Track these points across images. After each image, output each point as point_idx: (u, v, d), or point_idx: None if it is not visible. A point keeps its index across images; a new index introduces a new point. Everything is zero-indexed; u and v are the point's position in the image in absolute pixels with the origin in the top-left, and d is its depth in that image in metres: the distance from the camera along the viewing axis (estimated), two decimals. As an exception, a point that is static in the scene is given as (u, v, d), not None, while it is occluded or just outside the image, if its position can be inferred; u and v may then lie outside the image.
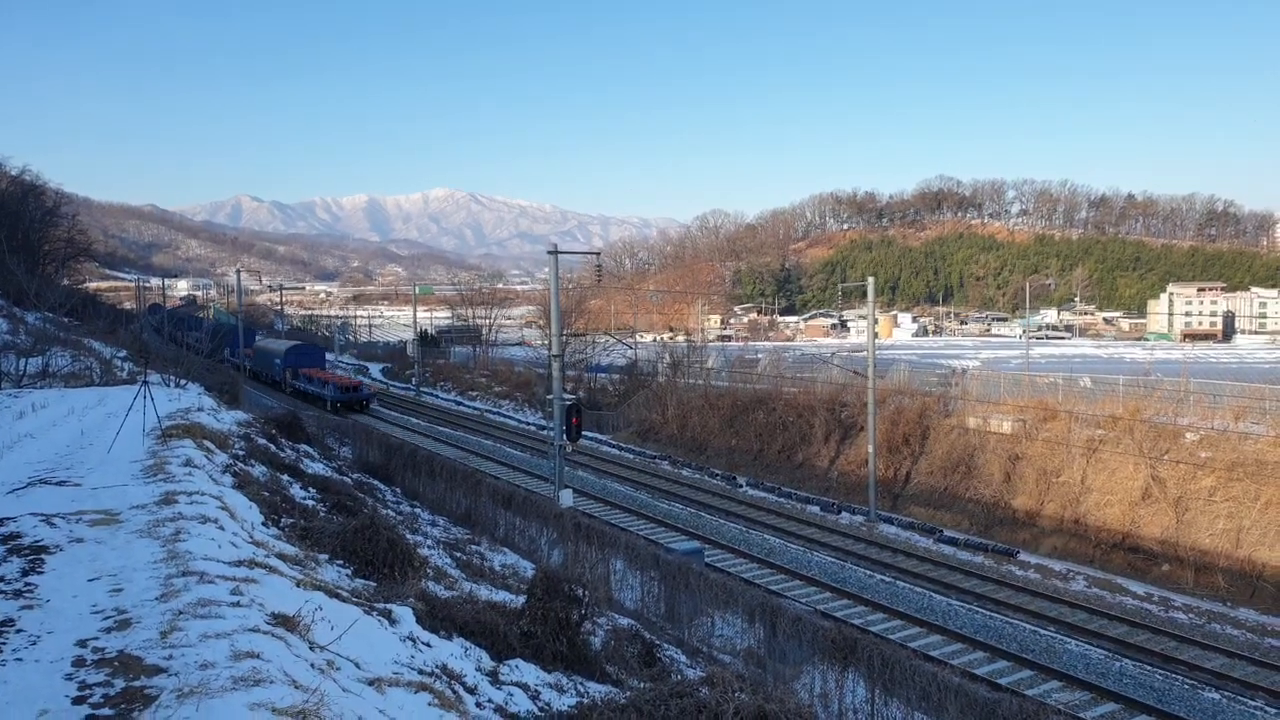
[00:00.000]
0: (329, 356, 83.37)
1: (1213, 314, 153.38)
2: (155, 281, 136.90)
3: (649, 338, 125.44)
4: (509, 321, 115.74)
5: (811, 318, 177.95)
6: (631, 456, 40.02)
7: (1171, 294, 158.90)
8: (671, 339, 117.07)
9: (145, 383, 17.68)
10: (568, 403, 25.43)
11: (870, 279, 31.44)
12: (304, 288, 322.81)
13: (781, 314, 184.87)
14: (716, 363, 52.08)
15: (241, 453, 17.73)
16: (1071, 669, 17.27)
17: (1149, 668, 17.49)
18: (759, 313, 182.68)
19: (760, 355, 55.87)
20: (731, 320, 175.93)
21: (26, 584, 7.15)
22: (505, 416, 52.31)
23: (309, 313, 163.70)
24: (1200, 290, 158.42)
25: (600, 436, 44.61)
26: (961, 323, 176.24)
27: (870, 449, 29.77)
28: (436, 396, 61.37)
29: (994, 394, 33.25)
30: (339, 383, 50.59)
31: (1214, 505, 24.37)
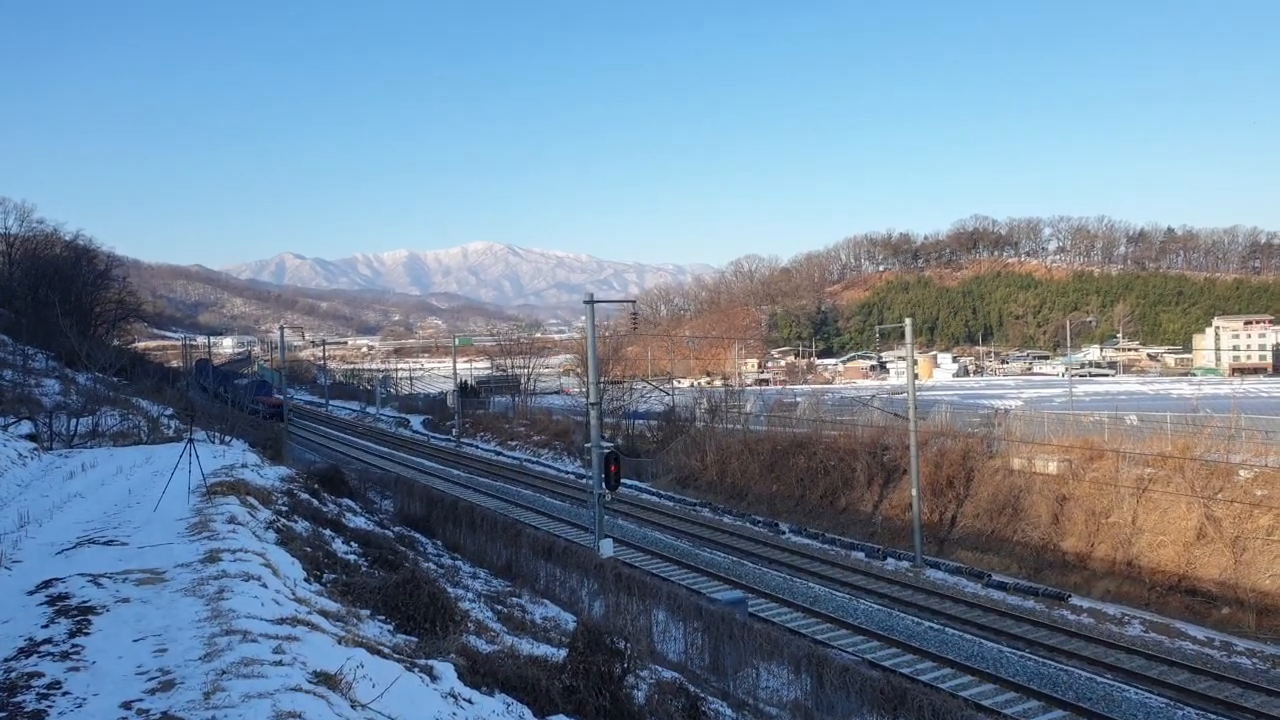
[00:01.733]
0: (371, 410, 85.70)
1: (1261, 347, 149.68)
2: (201, 340, 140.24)
3: (686, 383, 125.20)
4: (547, 370, 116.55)
5: (850, 360, 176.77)
6: (671, 504, 39.73)
7: (1217, 328, 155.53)
8: (709, 384, 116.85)
9: (191, 440, 17.98)
10: (606, 451, 25.39)
11: (908, 320, 31.23)
12: (346, 342, 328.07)
13: (819, 356, 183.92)
14: (755, 407, 51.82)
15: (284, 508, 17.88)
16: (1131, 718, 16.61)
17: (1213, 716, 16.78)
18: (796, 355, 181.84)
19: (799, 398, 55.52)
20: (768, 364, 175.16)
21: (73, 645, 7.21)
22: (544, 465, 52.31)
23: (351, 367, 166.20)
24: (1247, 323, 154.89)
25: (639, 484, 44.40)
26: (1002, 362, 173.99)
27: (914, 492, 29.29)
28: (476, 447, 61.62)
29: (1038, 434, 32.66)
30: (269, 403, 66.78)
31: (1273, 545, 23.53)
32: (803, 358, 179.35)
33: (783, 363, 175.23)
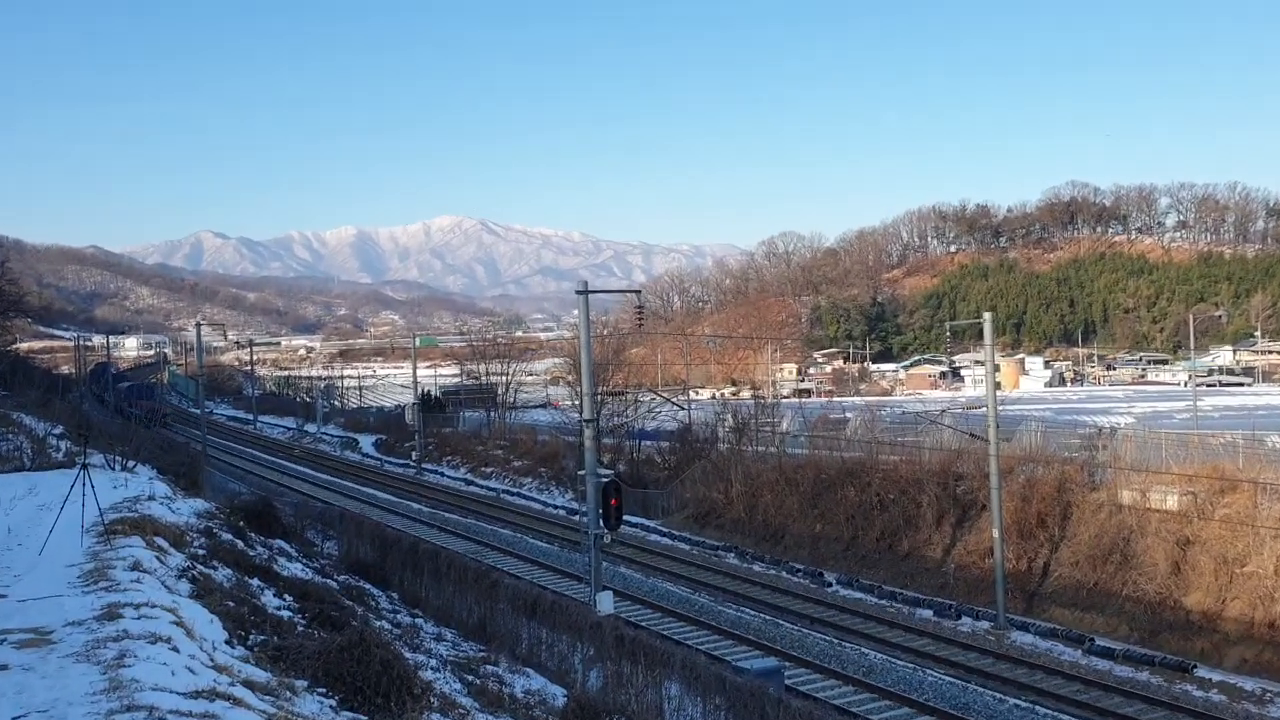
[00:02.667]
0: (310, 427, 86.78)
1: None
2: (98, 340, 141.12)
3: (706, 394, 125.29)
4: (531, 378, 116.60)
5: (913, 365, 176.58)
6: (687, 547, 39.75)
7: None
8: (734, 395, 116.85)
9: (85, 466, 18.07)
10: (604, 480, 25.41)
11: (987, 314, 31.19)
12: (279, 343, 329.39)
13: (874, 360, 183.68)
14: (793, 424, 51.74)
15: (202, 552, 17.97)
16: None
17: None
18: (845, 360, 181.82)
19: (849, 414, 55.40)
20: (811, 370, 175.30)
21: (-63, 724, 7.26)
22: (527, 498, 52.41)
23: (285, 373, 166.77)
24: None
25: (647, 522, 44.44)
26: (1108, 368, 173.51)
27: (995, 533, 29.22)
28: (442, 475, 61.74)
29: (1154, 460, 32.57)
30: (147, 408, 71.86)
31: None
32: (854, 362, 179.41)
33: (828, 369, 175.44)
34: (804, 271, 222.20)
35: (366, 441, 78.44)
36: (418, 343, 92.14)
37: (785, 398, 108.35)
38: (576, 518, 42.20)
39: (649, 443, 56.62)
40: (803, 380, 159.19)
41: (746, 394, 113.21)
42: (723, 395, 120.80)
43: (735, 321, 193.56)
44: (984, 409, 31.05)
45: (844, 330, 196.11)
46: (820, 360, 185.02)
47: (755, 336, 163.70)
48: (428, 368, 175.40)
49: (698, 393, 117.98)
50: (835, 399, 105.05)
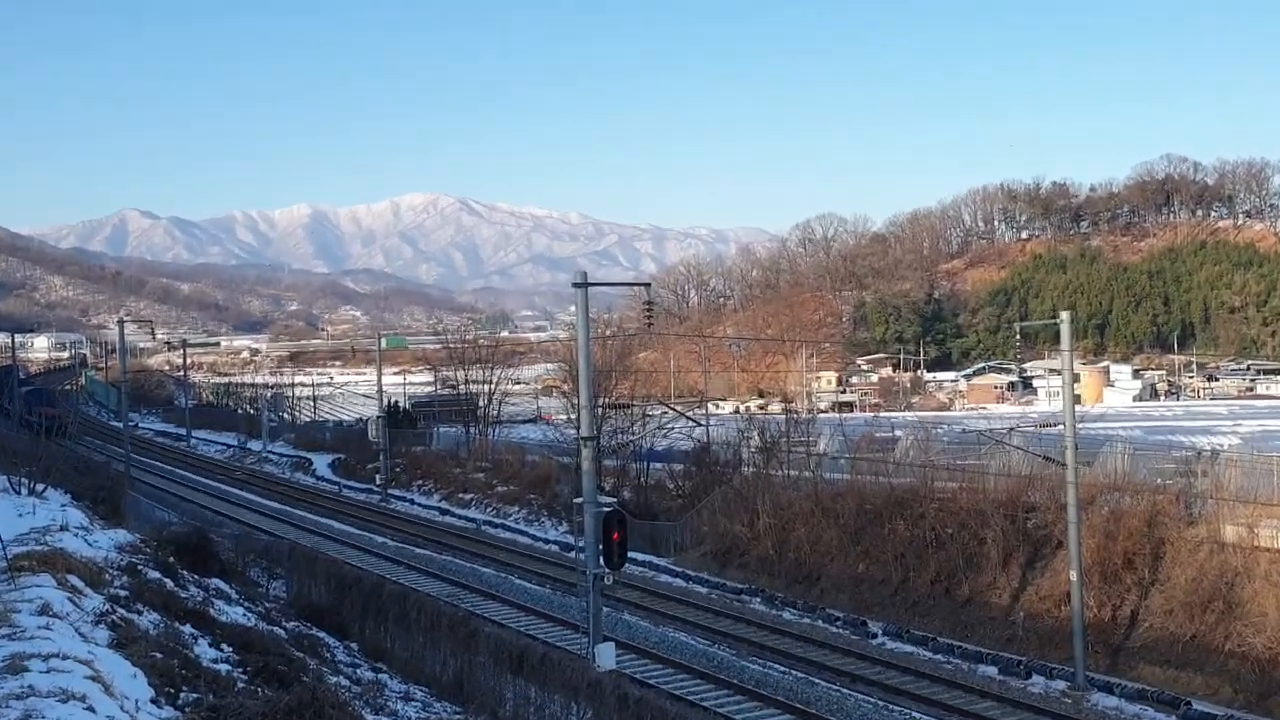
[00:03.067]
0: (255, 444, 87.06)
1: None
2: (1, 339, 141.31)
3: (728, 407, 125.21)
4: (519, 387, 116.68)
5: (977, 373, 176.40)
6: (704, 590, 39.74)
7: None
8: (762, 409, 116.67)
9: (-15, 490, 18.16)
10: (606, 509, 25.43)
11: (1065, 314, 31.08)
12: (218, 343, 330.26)
13: (929, 368, 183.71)
14: (832, 444, 51.62)
15: (124, 593, 17.99)
16: None
17: None
18: (895, 367, 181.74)
19: (899, 432, 55.20)
20: (853, 379, 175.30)
21: None
22: (514, 530, 52.42)
23: (225, 380, 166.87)
24: None
25: (656, 560, 44.44)
26: (1209, 378, 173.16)
27: (1073, 576, 29.14)
28: (411, 502, 61.74)
29: (1264, 489, 32.46)
30: (50, 414, 71.58)
31: None
32: (905, 370, 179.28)
33: (875, 377, 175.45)
34: (846, 261, 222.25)
35: (321, 462, 78.55)
36: (383, 344, 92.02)
37: (823, 412, 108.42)
38: (572, 554, 42.20)
39: (659, 465, 56.52)
40: (844, 391, 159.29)
41: (776, 407, 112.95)
42: (748, 409, 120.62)
43: (764, 321, 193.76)
44: (1060, 427, 30.99)
45: (893, 332, 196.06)
46: (865, 367, 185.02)
47: (788, 339, 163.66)
48: (395, 374, 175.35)
49: (718, 405, 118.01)
50: (883, 414, 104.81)
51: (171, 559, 25.35)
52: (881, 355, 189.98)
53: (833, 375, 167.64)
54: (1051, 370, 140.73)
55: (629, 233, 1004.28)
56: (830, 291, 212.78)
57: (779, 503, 42.67)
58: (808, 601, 37.23)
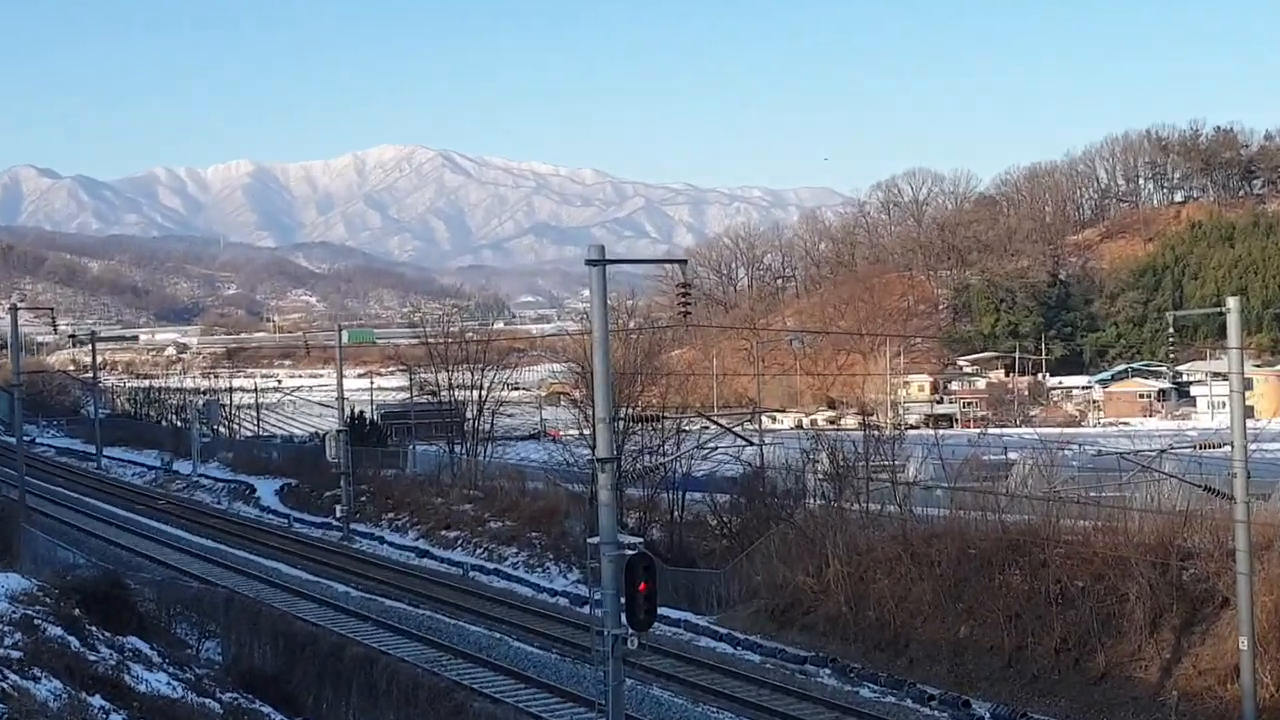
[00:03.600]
0: (183, 466, 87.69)
1: None
2: None
3: (787, 421, 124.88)
4: (517, 394, 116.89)
5: (1117, 378, 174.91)
6: (756, 658, 39.47)
7: None
8: (833, 423, 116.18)
9: None
10: (629, 552, 25.31)
11: (1232, 300, 30.59)
12: (136, 336, 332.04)
13: (1053, 371, 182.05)
14: (925, 470, 51.33)
15: (18, 653, 18.07)
16: None
17: None
18: (1008, 370, 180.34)
19: (1013, 455, 54.85)
20: (953, 385, 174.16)
21: None
22: (511, 578, 52.29)
23: (146, 383, 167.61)
24: None
25: (694, 618, 44.19)
26: None
27: (1243, 644, 28.77)
28: (381, 540, 61.68)
29: None
30: None
31: None
32: (1022, 373, 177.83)
33: (981, 382, 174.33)
34: (943, 231, 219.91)
35: (267, 489, 78.65)
36: (345, 339, 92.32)
37: (913, 427, 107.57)
38: (585, 610, 42.14)
39: (698, 496, 56.34)
40: (940, 401, 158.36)
41: (852, 421, 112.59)
42: (814, 423, 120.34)
43: (835, 309, 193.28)
44: (1227, 449, 30.65)
45: (1006, 324, 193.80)
46: (968, 370, 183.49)
47: (866, 332, 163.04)
48: (361, 376, 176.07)
49: (775, 419, 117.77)
50: (992, 430, 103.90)
51: (77, 611, 25.43)
52: (990, 354, 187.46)
53: (926, 380, 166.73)
54: (1215, 374, 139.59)
55: (659, 195, 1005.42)
56: (922, 271, 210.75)
57: (855, 546, 42.34)
58: (892, 674, 36.88)
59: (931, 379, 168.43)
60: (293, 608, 41.42)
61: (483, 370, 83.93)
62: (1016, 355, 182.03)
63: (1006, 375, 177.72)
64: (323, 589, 48.68)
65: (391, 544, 60.95)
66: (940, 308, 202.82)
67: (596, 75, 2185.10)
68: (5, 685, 15.31)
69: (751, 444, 59.69)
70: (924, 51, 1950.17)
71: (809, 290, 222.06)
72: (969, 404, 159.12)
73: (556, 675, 35.89)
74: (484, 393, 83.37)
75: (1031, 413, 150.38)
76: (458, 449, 78.17)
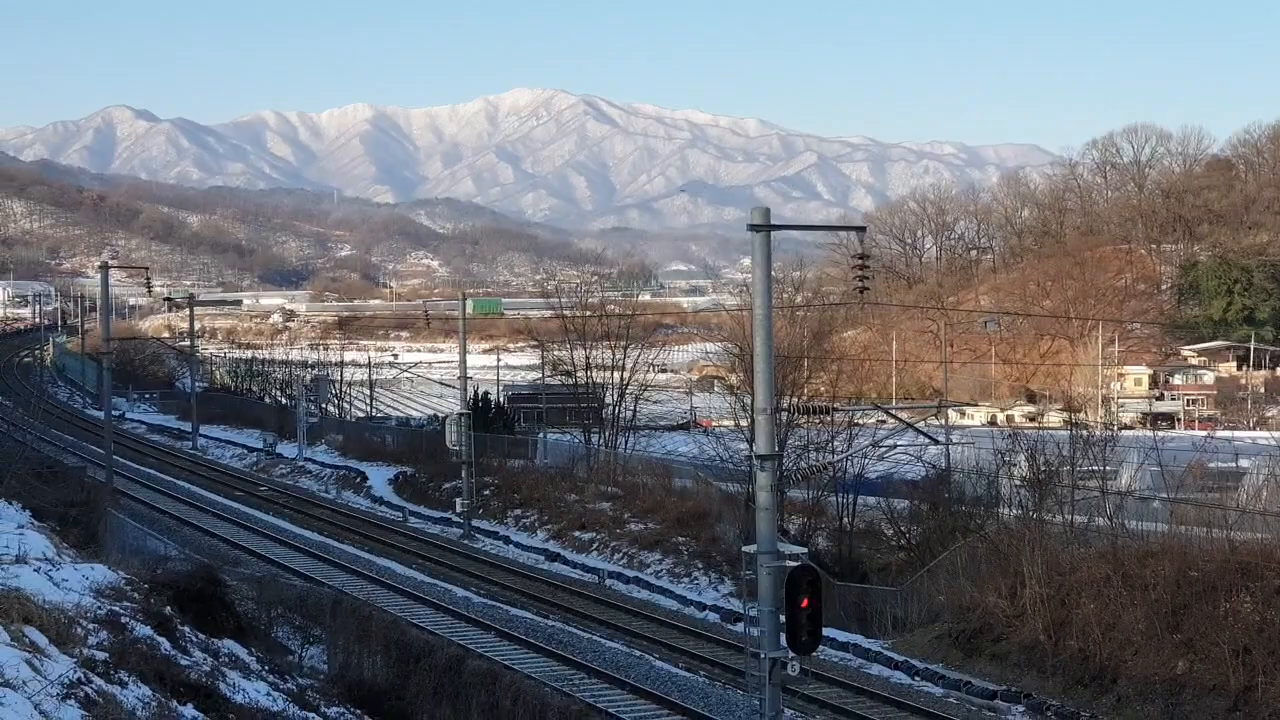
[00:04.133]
0: (287, 449, 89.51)
1: None
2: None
3: (978, 417, 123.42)
4: (664, 377, 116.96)
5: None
6: (937, 691, 39.22)
7: None
8: (1033, 420, 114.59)
9: (-85, 503, 18.90)
10: (791, 564, 25.28)
11: None
12: (240, 301, 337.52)
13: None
14: (1141, 478, 50.60)
15: (103, 655, 18.44)
16: None
17: None
18: (1241, 362, 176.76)
19: (1245, 462, 53.87)
20: (1176, 378, 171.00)
21: None
22: (653, 588, 52.31)
23: (248, 353, 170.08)
24: None
25: (863, 642, 44.00)
26: None
27: None
28: (506, 540, 62.11)
29: None
30: None
31: None
32: (1258, 367, 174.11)
33: (1209, 377, 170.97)
34: (1169, 199, 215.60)
35: (379, 477, 79.53)
36: (470, 309, 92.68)
37: (1128, 427, 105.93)
38: (739, 628, 42.24)
39: (872, 500, 56.08)
40: (1160, 397, 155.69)
41: (1056, 418, 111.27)
42: (1010, 419, 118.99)
43: (1038, 286, 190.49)
44: None
45: (1240, 308, 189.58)
46: (1194, 361, 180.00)
47: (1075, 315, 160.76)
48: (486, 351, 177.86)
49: (965, 413, 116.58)
50: (1221, 433, 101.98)
51: (169, 609, 25.84)
52: (1220, 344, 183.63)
53: (1144, 372, 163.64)
54: None
55: (833, 150, 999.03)
56: (1143, 244, 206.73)
57: (1056, 564, 41.87)
58: (1096, 714, 36.49)
59: (1150, 371, 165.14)
60: (407, 613, 41.82)
61: (625, 349, 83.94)
62: (1252, 345, 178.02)
63: (1239, 369, 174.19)
64: (440, 593, 49.03)
65: (518, 545, 61.27)
66: (1163, 288, 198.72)
67: (763, 12, 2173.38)
68: (89, 690, 15.58)
69: (936, 442, 59.29)
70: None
71: (1008, 264, 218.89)
72: (1194, 401, 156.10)
73: (704, 701, 35.82)
74: (626, 375, 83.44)
75: (1268, 413, 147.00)
76: (595, 439, 78.39)
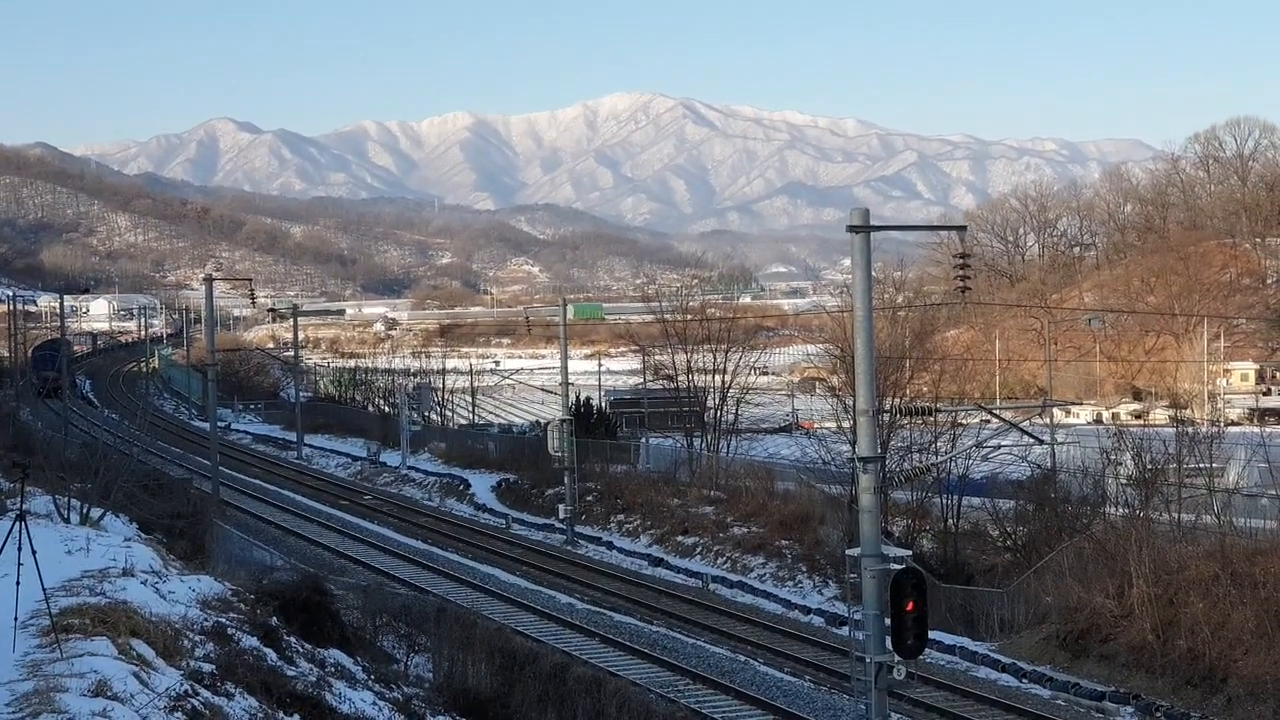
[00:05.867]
0: (391, 457, 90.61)
1: None
2: (46, 301, 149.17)
3: (1083, 415, 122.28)
4: (766, 380, 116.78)
5: None
6: (1045, 693, 38.88)
7: None
8: (1138, 418, 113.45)
9: (22, 516, 19.01)
10: (895, 567, 25.14)
11: None
12: (343, 310, 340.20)
13: None
14: (1248, 476, 49.98)
15: (209, 666, 18.58)
16: None
17: None
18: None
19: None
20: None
21: None
22: (757, 592, 52.21)
23: (351, 362, 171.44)
24: None
25: (970, 644, 43.71)
26: None
27: None
28: (610, 546, 62.19)
29: None
30: (43, 376, 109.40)
31: None
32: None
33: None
34: (1272, 192, 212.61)
35: (482, 484, 79.89)
36: (571, 314, 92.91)
37: (1235, 424, 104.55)
38: (844, 631, 42.09)
39: (977, 501, 55.68)
40: (1268, 392, 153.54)
41: (1161, 415, 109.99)
42: (1115, 417, 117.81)
43: (1143, 282, 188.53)
44: None
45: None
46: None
47: (1180, 311, 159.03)
48: (588, 357, 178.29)
49: (1070, 412, 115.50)
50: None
51: (274, 620, 26.02)
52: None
53: (1251, 368, 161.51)
54: None
55: (933, 148, 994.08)
56: (1248, 238, 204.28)
57: (1163, 563, 41.42)
58: (1206, 714, 36.07)
59: (1257, 366, 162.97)
60: (511, 620, 42.03)
61: (726, 352, 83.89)
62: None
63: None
64: (544, 600, 49.27)
65: (621, 550, 61.42)
66: (1269, 282, 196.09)
67: (862, 11, 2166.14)
68: (196, 703, 15.67)
69: (1042, 442, 58.72)
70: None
71: (1111, 260, 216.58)
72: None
73: (810, 706, 35.73)
74: (728, 378, 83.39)
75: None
76: (697, 442, 78.36)
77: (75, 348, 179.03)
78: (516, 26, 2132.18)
